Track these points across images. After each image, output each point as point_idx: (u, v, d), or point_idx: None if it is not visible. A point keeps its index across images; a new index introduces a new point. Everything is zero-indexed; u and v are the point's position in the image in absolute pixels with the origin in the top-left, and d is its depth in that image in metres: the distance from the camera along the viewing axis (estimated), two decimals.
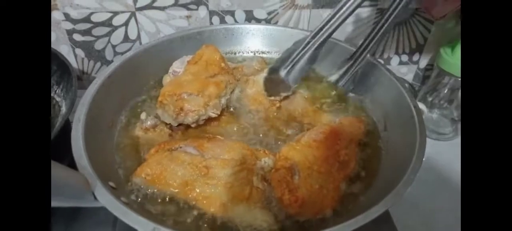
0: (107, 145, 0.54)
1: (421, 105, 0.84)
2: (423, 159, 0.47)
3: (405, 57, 0.91)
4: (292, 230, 0.45)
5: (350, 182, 0.51)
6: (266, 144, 0.56)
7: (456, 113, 0.84)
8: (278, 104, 0.61)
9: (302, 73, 0.62)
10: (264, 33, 0.75)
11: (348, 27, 0.82)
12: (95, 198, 0.41)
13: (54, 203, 0.34)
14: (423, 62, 0.93)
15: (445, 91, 0.84)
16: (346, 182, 0.51)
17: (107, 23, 0.76)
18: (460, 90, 0.81)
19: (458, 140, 0.83)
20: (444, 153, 0.77)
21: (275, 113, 0.60)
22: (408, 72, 0.94)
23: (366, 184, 0.51)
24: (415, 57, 0.91)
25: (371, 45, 0.59)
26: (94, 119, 0.52)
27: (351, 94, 0.65)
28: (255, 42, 0.75)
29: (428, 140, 0.50)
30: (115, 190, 0.45)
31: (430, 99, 0.86)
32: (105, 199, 0.41)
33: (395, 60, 0.91)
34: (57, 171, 0.35)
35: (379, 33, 0.58)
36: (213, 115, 0.56)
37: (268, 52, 0.76)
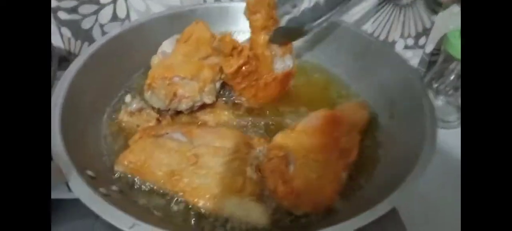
0: (90, 131, 0.50)
1: None
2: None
3: (410, 41, 0.86)
4: (288, 226, 0.41)
5: (352, 171, 0.47)
6: (261, 131, 0.52)
7: None
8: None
9: (317, 14, 0.55)
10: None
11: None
12: (69, 189, 0.37)
13: None
14: (430, 47, 0.88)
15: (452, 78, 0.80)
16: (347, 172, 0.46)
17: (94, 0, 0.71)
18: None
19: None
20: (450, 141, 0.73)
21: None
22: (413, 57, 0.90)
23: (368, 174, 0.47)
24: (421, 41, 0.87)
25: None
26: (74, 103, 0.48)
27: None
28: None
29: None
30: (94, 180, 0.41)
31: (435, 85, 0.82)
32: (79, 190, 0.37)
33: (400, 44, 0.86)
34: None
35: None
36: (209, 102, 0.51)
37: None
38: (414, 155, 0.44)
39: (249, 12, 0.52)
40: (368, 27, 0.81)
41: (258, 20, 0.52)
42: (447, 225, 0.58)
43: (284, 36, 0.54)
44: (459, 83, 0.80)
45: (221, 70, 0.54)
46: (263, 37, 0.52)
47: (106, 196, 0.38)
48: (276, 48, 0.53)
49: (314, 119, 0.48)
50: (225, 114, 0.54)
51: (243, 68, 0.52)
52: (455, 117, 0.81)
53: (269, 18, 0.52)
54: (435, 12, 0.82)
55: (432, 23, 0.84)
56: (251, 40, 0.53)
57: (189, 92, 0.50)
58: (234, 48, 0.51)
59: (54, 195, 0.37)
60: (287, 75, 0.56)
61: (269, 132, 0.52)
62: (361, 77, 0.62)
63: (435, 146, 0.44)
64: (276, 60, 0.54)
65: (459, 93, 0.80)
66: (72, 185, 0.37)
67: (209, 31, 0.57)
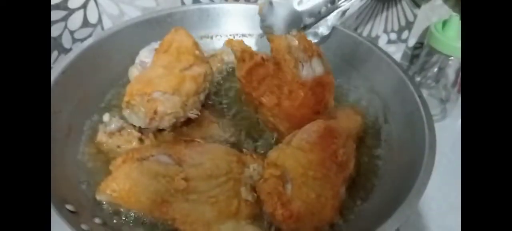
0: (66, 157, 0.46)
1: None
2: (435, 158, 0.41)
3: (393, 36, 0.86)
4: None
5: (349, 185, 0.45)
6: (254, 145, 0.49)
7: (444, 93, 0.81)
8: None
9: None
10: (244, 13, 0.67)
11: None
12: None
13: None
14: (412, 41, 0.88)
15: (434, 71, 0.80)
16: (345, 186, 0.44)
17: (62, 5, 0.66)
18: (448, 69, 0.78)
19: (446, 122, 0.80)
20: None
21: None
22: (396, 51, 0.89)
23: (368, 187, 0.45)
24: (404, 35, 0.86)
25: None
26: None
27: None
28: (234, 24, 0.67)
29: None
30: (74, 215, 0.37)
31: (418, 79, 0.82)
32: (60, 229, 0.34)
33: (383, 39, 0.86)
34: None
35: None
36: (193, 116, 0.48)
37: (250, 35, 0.67)
38: (412, 163, 0.42)
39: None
40: (351, 22, 0.79)
41: None
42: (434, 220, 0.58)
43: None
44: (439, 76, 0.80)
45: (205, 80, 0.51)
46: (282, 41, 0.47)
47: None
48: (298, 51, 0.47)
49: (309, 132, 0.45)
50: (213, 127, 0.51)
51: (258, 71, 0.48)
52: (438, 110, 0.81)
53: None
54: (417, 5, 0.81)
55: (415, 16, 0.83)
56: (270, 47, 0.49)
57: (171, 109, 0.46)
58: (244, 51, 0.48)
59: None
60: (320, 83, 0.47)
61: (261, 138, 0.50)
62: (351, 79, 0.60)
63: (435, 154, 0.42)
64: (301, 65, 0.47)
65: (440, 85, 0.80)
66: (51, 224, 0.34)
67: (191, 38, 0.54)
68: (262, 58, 0.48)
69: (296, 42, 0.47)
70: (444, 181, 0.58)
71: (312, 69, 0.47)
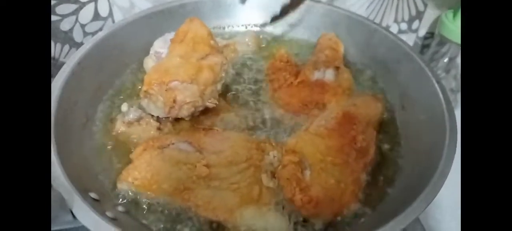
0: (85, 147, 0.45)
1: None
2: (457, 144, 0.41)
3: (404, 26, 0.85)
4: None
5: (370, 171, 0.45)
6: (272, 133, 0.49)
7: (455, 84, 0.80)
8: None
9: None
10: (257, 2, 0.66)
11: None
12: (73, 216, 0.34)
13: None
14: (423, 31, 0.87)
15: (445, 61, 0.80)
16: (365, 172, 0.44)
17: None
18: (459, 59, 0.77)
19: (456, 112, 0.79)
20: None
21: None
22: (407, 41, 0.88)
23: (389, 173, 0.45)
24: (415, 25, 0.85)
25: None
26: (65, 117, 0.44)
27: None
28: (247, 13, 0.67)
29: None
30: (98, 203, 0.37)
31: None
32: (85, 217, 0.34)
33: (394, 28, 0.85)
34: None
35: None
36: (211, 105, 0.48)
37: (262, 25, 0.67)
38: (434, 147, 0.42)
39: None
40: (362, 12, 0.78)
41: None
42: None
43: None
44: (450, 66, 0.80)
45: (222, 69, 0.51)
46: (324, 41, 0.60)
47: (113, 221, 0.35)
48: (321, 55, 0.56)
49: (328, 118, 0.45)
50: (230, 115, 0.50)
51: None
52: None
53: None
54: None
55: (425, 5, 0.82)
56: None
57: (189, 98, 0.46)
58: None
59: (56, 225, 0.34)
60: (322, 86, 0.53)
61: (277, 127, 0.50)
62: (366, 67, 0.60)
63: (456, 139, 0.42)
64: (317, 70, 0.54)
65: (450, 75, 0.80)
66: (76, 212, 0.34)
67: (205, 28, 0.53)
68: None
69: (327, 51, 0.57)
70: (455, 171, 0.58)
71: (323, 75, 0.54)
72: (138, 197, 0.41)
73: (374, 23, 0.60)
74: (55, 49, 0.72)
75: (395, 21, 0.84)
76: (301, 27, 0.65)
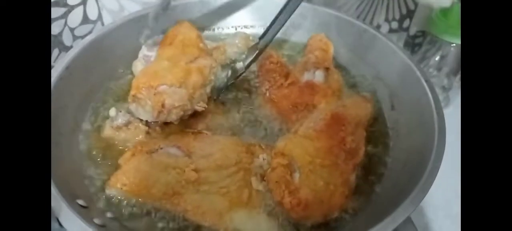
0: (73, 152, 0.45)
1: None
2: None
3: (395, 24, 0.86)
4: None
5: (359, 172, 0.45)
6: (261, 136, 0.48)
7: (446, 81, 0.81)
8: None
9: None
10: (246, 4, 0.66)
11: None
12: (60, 225, 0.33)
13: None
14: (413, 29, 0.88)
15: (436, 59, 0.80)
16: (355, 173, 0.44)
17: (62, 2, 0.65)
18: (450, 57, 0.77)
19: (449, 110, 0.79)
20: None
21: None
22: (397, 40, 0.89)
23: (379, 174, 0.45)
24: (405, 23, 0.86)
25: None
26: (53, 121, 0.43)
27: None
28: (236, 15, 0.66)
29: None
30: (86, 210, 0.37)
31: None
32: (72, 225, 0.33)
33: (384, 27, 0.85)
34: None
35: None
36: (200, 109, 0.47)
37: (252, 26, 0.67)
38: (423, 147, 0.42)
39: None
40: (353, 11, 0.79)
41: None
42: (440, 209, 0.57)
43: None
44: (441, 64, 0.80)
45: (211, 72, 0.51)
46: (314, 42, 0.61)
47: (101, 227, 0.35)
48: (311, 56, 0.56)
49: (317, 120, 0.45)
50: (219, 118, 0.50)
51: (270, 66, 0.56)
52: (440, 98, 0.80)
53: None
54: None
55: (416, 4, 0.83)
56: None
57: (178, 102, 0.46)
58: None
59: None
60: (311, 87, 0.53)
61: (267, 129, 0.50)
62: (356, 67, 0.60)
63: (445, 139, 0.42)
64: (305, 70, 0.55)
65: (442, 73, 0.80)
66: (63, 220, 0.33)
67: (195, 31, 0.53)
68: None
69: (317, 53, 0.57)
70: (448, 169, 0.58)
71: (313, 77, 0.54)
72: (127, 202, 0.41)
73: (364, 23, 0.60)
74: None
75: (386, 20, 0.84)
76: (291, 28, 0.65)
